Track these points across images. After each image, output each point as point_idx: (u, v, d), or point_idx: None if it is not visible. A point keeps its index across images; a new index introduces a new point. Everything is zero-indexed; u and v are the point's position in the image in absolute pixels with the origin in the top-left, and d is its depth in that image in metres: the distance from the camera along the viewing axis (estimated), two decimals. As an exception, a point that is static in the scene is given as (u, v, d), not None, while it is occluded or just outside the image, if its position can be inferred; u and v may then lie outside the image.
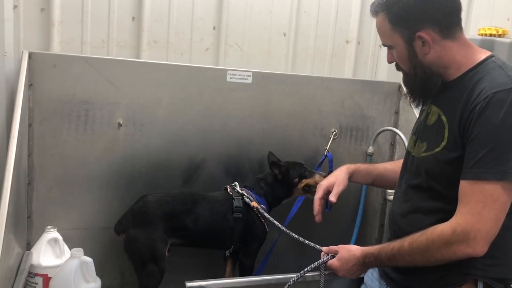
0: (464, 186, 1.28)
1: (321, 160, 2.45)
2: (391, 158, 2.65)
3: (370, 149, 2.58)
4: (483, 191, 1.24)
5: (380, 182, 1.86)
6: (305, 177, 2.18)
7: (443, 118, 1.39)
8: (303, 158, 2.33)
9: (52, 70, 2.01)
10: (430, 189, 1.40)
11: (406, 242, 1.36)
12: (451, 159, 1.33)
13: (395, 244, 1.39)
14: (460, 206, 1.28)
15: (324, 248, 1.63)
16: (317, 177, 2.18)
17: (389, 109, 2.62)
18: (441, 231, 1.29)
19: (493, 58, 1.37)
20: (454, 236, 1.26)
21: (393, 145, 2.66)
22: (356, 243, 2.14)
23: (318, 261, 1.57)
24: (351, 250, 1.53)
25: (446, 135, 1.36)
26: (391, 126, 2.58)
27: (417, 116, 1.61)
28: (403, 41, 1.39)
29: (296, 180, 2.17)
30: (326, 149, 2.48)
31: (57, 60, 2.03)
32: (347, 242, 2.46)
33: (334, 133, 2.53)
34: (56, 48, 2.13)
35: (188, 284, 1.52)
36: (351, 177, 1.81)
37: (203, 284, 1.53)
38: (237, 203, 2.04)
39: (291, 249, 2.41)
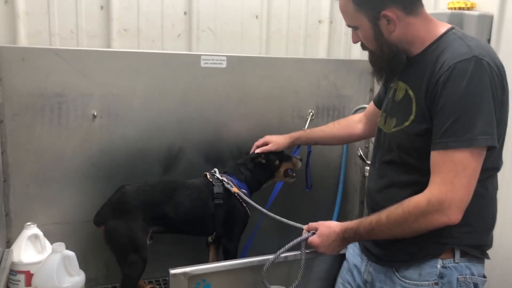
0: (435, 156, 1.31)
1: (299, 141, 2.46)
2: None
3: (348, 128, 2.59)
4: (453, 159, 1.27)
5: (322, 143, 2.24)
6: (285, 160, 2.24)
7: (410, 92, 1.41)
8: (281, 140, 2.33)
9: (20, 63, 1.97)
10: (403, 163, 1.43)
11: (383, 215, 1.38)
12: (421, 131, 1.36)
13: (373, 218, 1.41)
14: (433, 176, 1.31)
15: (304, 226, 1.65)
16: (294, 160, 2.27)
17: (364, 87, 2.64)
18: (417, 202, 1.32)
19: (453, 30, 1.39)
20: (429, 206, 1.29)
21: (370, 122, 2.68)
22: (338, 221, 2.17)
23: (298, 239, 1.58)
24: (330, 226, 1.56)
25: (414, 109, 1.38)
26: (367, 104, 2.59)
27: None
28: (368, 21, 1.39)
29: (277, 162, 2.21)
30: (304, 130, 2.48)
31: (25, 53, 1.98)
32: (329, 220, 2.49)
33: (311, 113, 2.55)
34: (24, 41, 2.08)
35: (172, 271, 1.52)
36: (294, 142, 2.20)
37: (187, 270, 1.54)
38: (217, 189, 2.04)
39: (274, 231, 2.42)
